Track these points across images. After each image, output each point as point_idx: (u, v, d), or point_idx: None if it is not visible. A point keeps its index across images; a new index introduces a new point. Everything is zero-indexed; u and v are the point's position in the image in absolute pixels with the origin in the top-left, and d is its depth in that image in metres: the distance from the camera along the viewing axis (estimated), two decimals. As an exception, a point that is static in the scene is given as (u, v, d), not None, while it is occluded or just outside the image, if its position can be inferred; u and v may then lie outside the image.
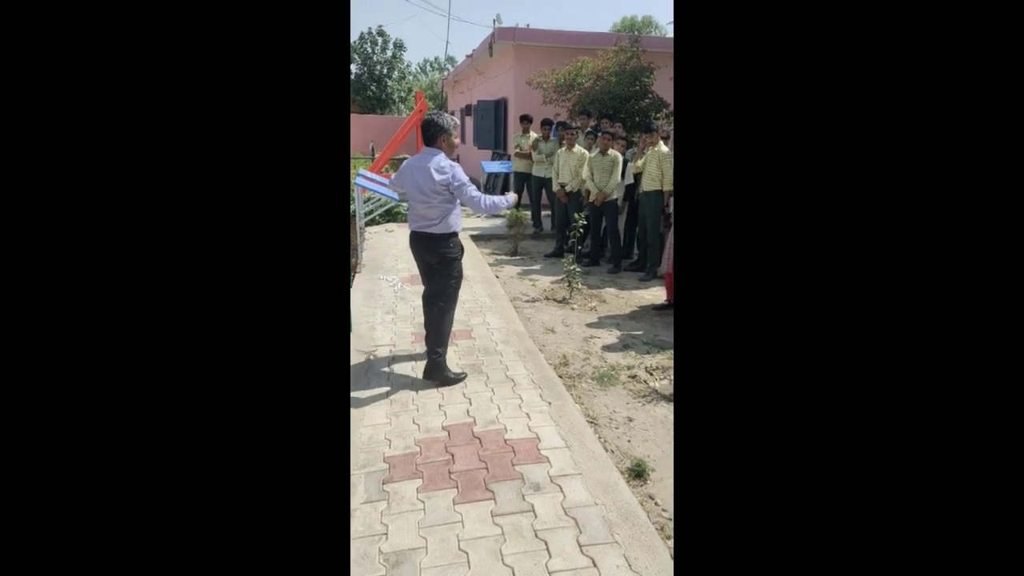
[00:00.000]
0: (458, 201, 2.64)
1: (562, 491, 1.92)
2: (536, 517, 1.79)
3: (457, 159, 2.73)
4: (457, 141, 2.71)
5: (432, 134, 2.60)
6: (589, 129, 5.83)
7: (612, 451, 2.26)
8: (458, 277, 2.69)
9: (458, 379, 2.73)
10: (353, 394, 2.63)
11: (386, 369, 2.92)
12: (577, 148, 5.23)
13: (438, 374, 2.69)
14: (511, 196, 2.89)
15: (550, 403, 2.57)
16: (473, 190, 2.63)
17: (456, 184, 2.56)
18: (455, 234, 2.64)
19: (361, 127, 16.45)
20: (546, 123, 6.26)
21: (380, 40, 23.73)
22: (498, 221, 7.17)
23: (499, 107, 9.76)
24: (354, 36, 24.29)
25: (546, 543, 1.68)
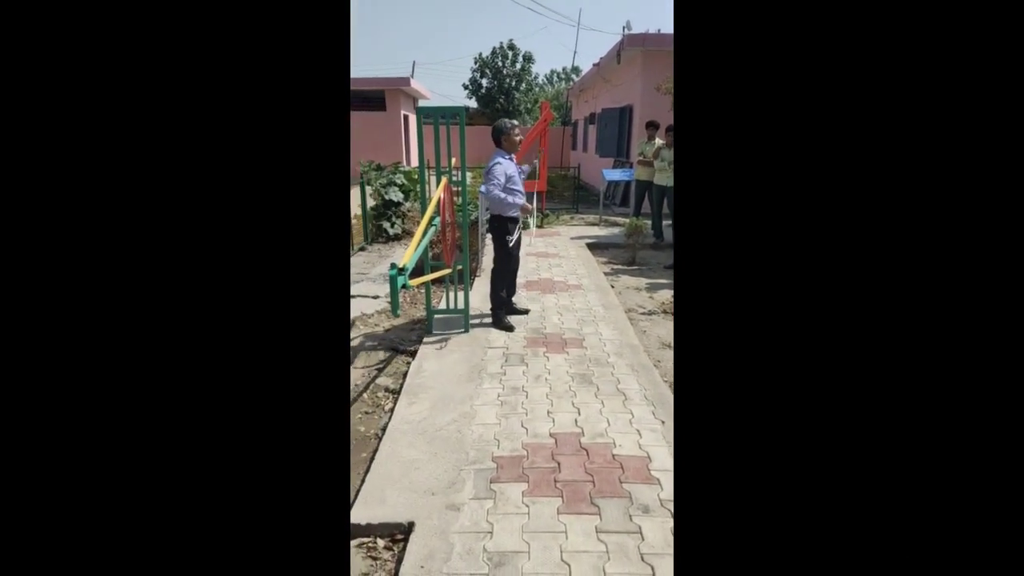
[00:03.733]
0: (513, 188, 3.44)
1: (673, 517, 1.81)
2: (643, 540, 1.71)
3: (519, 141, 3.54)
4: (518, 138, 3.51)
5: (495, 138, 3.49)
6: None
7: (731, 482, 2.09)
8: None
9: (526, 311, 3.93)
10: (467, 392, 2.74)
11: (499, 371, 2.99)
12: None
13: (515, 312, 3.87)
14: (518, 199, 3.47)
15: (663, 422, 2.45)
16: (492, 187, 3.37)
17: (486, 178, 3.41)
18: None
19: (487, 137, 17.17)
20: (672, 129, 6.01)
21: (510, 53, 24.64)
22: (616, 230, 7.03)
23: (624, 114, 9.59)
24: (486, 51, 25.51)
25: (653, 568, 1.60)
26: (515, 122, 3.57)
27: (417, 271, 3.47)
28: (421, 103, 16.99)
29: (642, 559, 1.64)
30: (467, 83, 25.43)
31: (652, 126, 6.61)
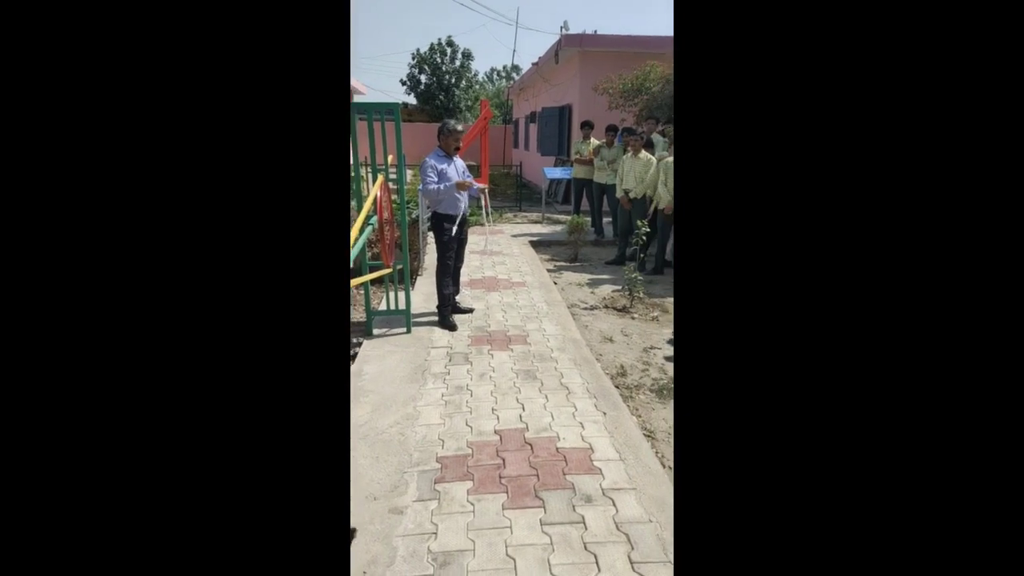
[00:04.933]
0: (450, 187, 3.44)
1: (615, 505, 1.86)
2: (586, 529, 1.75)
3: (457, 150, 3.60)
4: (455, 141, 3.56)
5: (439, 135, 3.58)
6: (657, 133, 5.69)
7: (669, 467, 2.17)
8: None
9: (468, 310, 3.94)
10: (410, 394, 2.69)
11: (443, 370, 2.96)
12: (643, 154, 5.12)
13: (459, 310, 3.87)
14: (444, 186, 3.45)
15: (605, 413, 2.51)
16: (426, 183, 3.45)
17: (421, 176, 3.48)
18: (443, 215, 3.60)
19: (428, 135, 17.00)
20: (611, 129, 6.17)
21: (449, 50, 24.41)
22: (558, 227, 7.14)
23: (563, 113, 9.75)
24: (424, 47, 25.16)
25: (596, 556, 1.63)
26: (460, 128, 3.59)
27: (355, 271, 3.37)
28: (357, 98, 16.50)
29: (585, 548, 1.67)
30: (405, 79, 25.01)
31: (587, 126, 6.76)
